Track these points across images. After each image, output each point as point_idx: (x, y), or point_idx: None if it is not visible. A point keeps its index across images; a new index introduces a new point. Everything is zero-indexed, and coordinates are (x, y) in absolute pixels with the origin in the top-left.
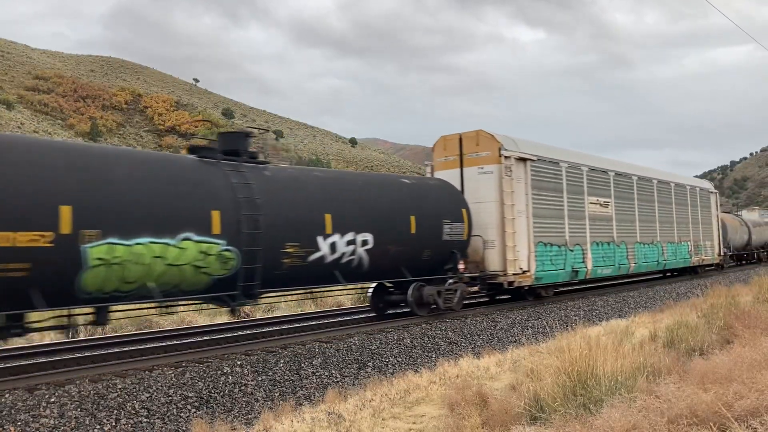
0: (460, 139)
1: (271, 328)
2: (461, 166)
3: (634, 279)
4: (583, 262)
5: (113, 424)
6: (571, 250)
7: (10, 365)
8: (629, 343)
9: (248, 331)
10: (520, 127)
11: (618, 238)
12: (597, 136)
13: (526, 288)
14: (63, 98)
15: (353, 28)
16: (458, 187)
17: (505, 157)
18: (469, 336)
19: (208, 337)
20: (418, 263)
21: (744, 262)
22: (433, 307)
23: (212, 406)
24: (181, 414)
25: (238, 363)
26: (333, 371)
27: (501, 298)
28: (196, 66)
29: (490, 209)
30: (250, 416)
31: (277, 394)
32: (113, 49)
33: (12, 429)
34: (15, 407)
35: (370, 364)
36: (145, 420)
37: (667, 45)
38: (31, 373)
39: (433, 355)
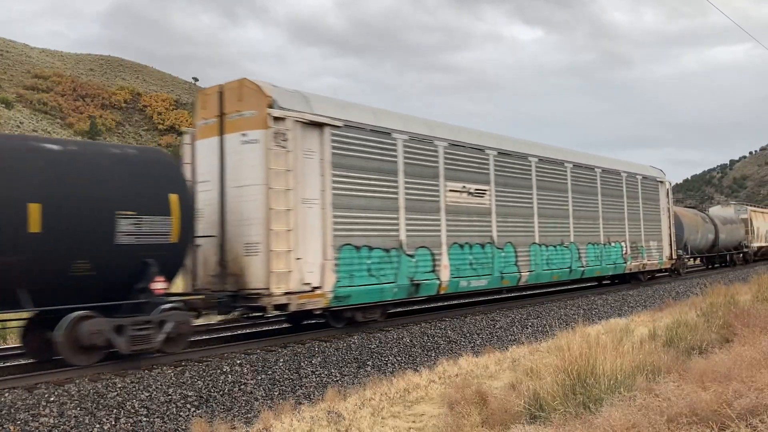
0: (221, 94)
1: (270, 327)
2: (221, 133)
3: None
4: (432, 271)
5: (113, 423)
6: (410, 256)
7: (9, 364)
8: (629, 342)
9: (247, 330)
10: (520, 127)
11: (500, 239)
12: (597, 136)
13: (321, 312)
14: (62, 97)
15: (351, 26)
16: (217, 162)
17: (276, 119)
18: (468, 335)
19: (207, 336)
20: (61, 282)
21: (717, 265)
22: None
23: (212, 405)
24: (181, 413)
25: (238, 362)
26: (332, 370)
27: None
28: (196, 65)
29: (256, 196)
30: (249, 415)
31: (276, 393)
32: (112, 48)
33: (12, 428)
34: (15, 406)
35: (369, 363)
36: (145, 419)
37: (666, 44)
38: (31, 372)
39: (433, 354)
